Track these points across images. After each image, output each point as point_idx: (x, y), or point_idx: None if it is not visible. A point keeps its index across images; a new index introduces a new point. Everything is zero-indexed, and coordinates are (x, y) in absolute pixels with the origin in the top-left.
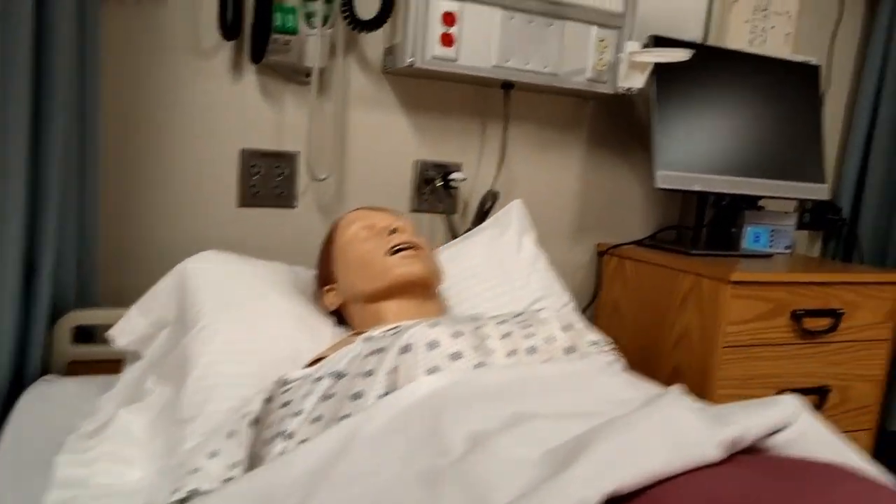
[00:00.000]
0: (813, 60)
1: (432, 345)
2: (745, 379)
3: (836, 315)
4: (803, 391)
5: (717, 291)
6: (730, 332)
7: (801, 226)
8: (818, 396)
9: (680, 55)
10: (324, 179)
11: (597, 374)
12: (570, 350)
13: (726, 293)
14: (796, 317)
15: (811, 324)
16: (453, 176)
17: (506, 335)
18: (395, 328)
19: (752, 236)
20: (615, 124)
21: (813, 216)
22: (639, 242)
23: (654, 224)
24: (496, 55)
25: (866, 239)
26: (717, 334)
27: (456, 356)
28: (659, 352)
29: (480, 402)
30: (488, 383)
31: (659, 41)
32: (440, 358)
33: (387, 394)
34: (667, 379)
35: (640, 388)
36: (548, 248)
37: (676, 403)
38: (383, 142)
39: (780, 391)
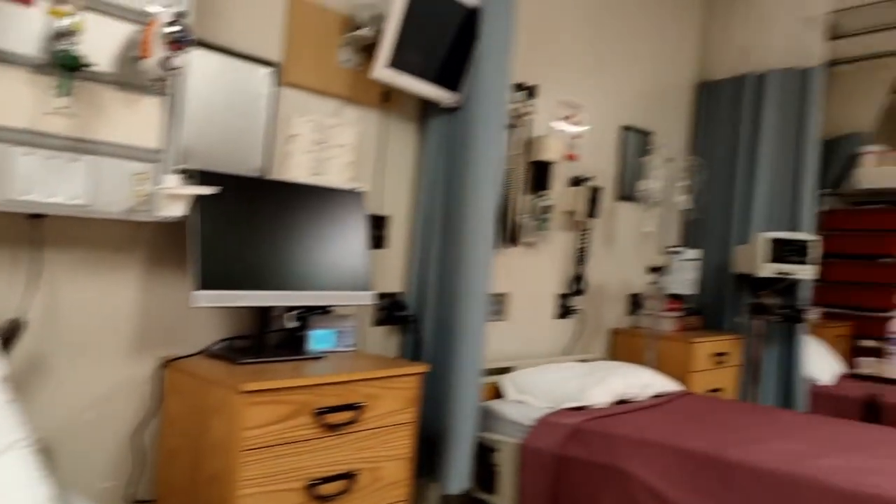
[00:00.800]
0: (359, 187)
1: None
2: (270, 476)
3: (356, 408)
4: (332, 478)
5: (233, 401)
6: (248, 437)
7: (378, 322)
8: (348, 481)
9: (205, 190)
10: None
11: None
12: None
13: (240, 402)
14: (319, 414)
15: (334, 419)
16: None
17: None
18: None
19: (318, 338)
20: (177, 244)
21: (387, 314)
22: (204, 352)
23: (227, 333)
24: (15, 189)
25: (428, 334)
26: (236, 440)
27: None
28: (203, 460)
29: None
30: None
31: (204, 175)
32: None
33: None
34: (206, 485)
35: None
36: (104, 367)
37: None
38: None
39: (308, 483)
